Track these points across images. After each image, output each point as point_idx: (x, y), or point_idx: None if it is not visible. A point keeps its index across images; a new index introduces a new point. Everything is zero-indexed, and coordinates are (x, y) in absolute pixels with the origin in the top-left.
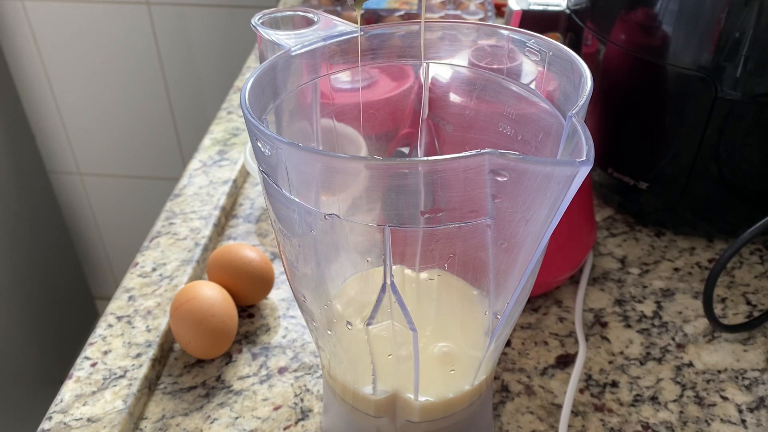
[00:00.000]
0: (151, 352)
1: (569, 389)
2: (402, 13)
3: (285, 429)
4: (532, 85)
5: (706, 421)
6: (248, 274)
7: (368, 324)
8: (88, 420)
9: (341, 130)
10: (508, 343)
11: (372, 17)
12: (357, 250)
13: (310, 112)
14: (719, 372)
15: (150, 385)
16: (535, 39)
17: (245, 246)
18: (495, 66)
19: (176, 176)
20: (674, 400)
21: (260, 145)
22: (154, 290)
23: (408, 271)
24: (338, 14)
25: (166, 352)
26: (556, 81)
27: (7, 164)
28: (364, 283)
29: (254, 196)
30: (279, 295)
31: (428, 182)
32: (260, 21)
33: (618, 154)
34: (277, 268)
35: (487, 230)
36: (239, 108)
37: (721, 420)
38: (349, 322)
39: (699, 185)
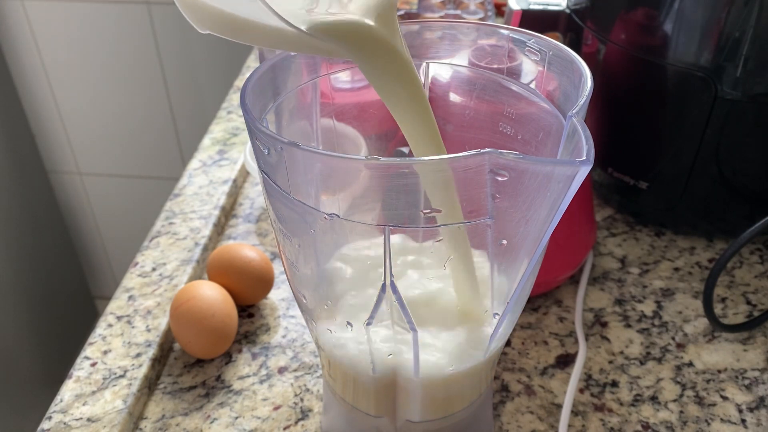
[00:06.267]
0: (151, 352)
1: (569, 389)
2: (402, 12)
3: (285, 429)
4: (532, 85)
5: (706, 420)
6: (248, 273)
7: (368, 324)
8: (88, 420)
9: (341, 129)
10: (508, 343)
11: None
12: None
13: (309, 111)
14: (719, 372)
15: (150, 385)
16: (535, 39)
17: (245, 246)
18: (495, 66)
19: (176, 176)
20: (674, 400)
21: (260, 145)
22: (153, 290)
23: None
24: None
25: (165, 351)
26: (556, 80)
27: (7, 164)
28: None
29: (254, 195)
30: (279, 295)
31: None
32: None
33: (618, 154)
34: (277, 268)
35: (487, 230)
36: (239, 108)
37: (721, 420)
38: (349, 322)
39: (699, 185)
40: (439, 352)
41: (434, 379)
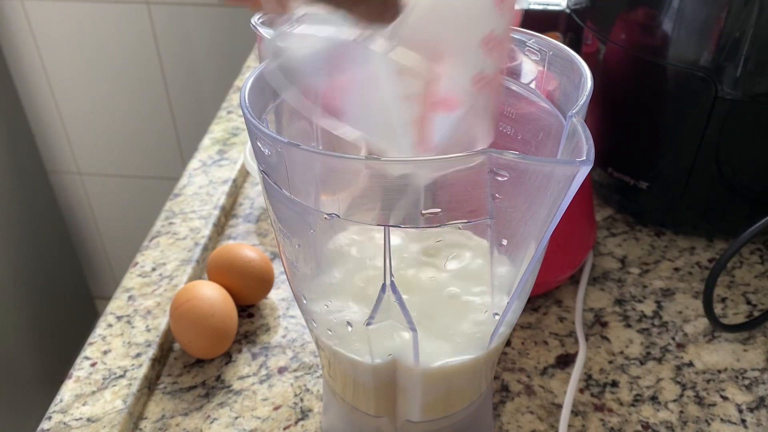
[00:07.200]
0: (151, 352)
1: (569, 389)
2: None
3: (285, 429)
4: (532, 85)
5: (706, 420)
6: (248, 273)
7: (368, 324)
8: (88, 420)
9: None
10: (508, 343)
11: None
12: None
13: None
14: (719, 372)
15: (150, 385)
16: (535, 38)
17: (245, 246)
18: None
19: (176, 176)
20: (674, 400)
21: (260, 145)
22: (153, 290)
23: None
24: None
25: (165, 351)
26: (556, 80)
27: (7, 164)
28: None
29: (254, 195)
30: (279, 295)
31: (428, 182)
32: (260, 21)
33: (618, 154)
34: (277, 268)
35: (487, 230)
36: (239, 108)
37: (721, 420)
38: (349, 322)
39: (699, 185)
40: (439, 352)
41: (434, 378)
